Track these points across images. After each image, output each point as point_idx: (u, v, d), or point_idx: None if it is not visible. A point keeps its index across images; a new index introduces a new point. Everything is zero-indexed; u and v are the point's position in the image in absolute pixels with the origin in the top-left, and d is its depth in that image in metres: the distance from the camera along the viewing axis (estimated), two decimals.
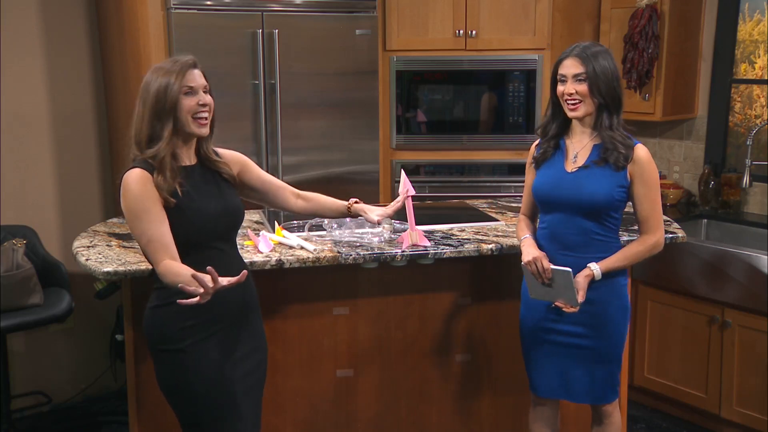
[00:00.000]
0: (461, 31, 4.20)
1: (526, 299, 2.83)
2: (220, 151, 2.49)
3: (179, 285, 2.07)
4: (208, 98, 2.33)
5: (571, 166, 2.67)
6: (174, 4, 3.58)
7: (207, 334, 2.34)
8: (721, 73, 4.26)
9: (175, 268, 2.20)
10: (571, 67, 2.60)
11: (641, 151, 2.61)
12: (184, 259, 2.26)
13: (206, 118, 2.33)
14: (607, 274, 2.65)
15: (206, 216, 2.33)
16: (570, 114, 2.63)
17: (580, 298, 2.59)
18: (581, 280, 2.61)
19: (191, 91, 2.29)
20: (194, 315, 2.30)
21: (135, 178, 2.26)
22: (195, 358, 2.32)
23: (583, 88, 2.58)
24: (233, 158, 2.52)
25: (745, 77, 4.21)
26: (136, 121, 2.31)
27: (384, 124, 4.24)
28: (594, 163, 2.62)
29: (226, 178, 2.45)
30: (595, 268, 2.62)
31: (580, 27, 4.32)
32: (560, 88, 2.63)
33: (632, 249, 2.65)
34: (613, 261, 2.64)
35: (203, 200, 2.34)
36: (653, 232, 2.65)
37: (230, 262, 2.41)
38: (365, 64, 4.03)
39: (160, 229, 2.24)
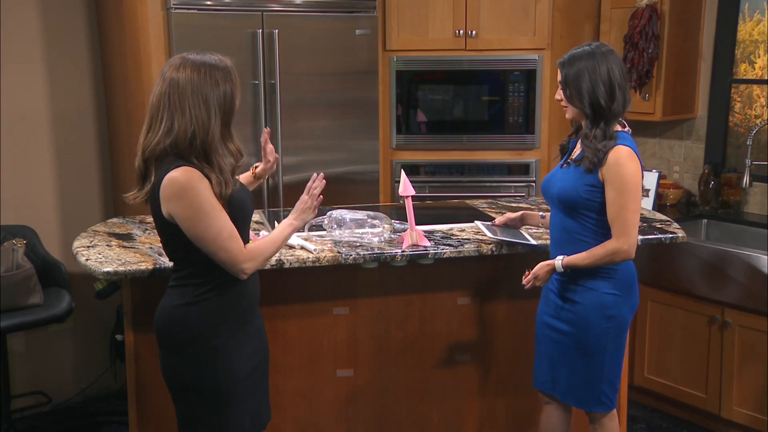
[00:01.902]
0: (461, 31, 4.20)
1: (542, 291, 2.86)
2: None
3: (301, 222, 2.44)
4: None
5: (564, 164, 2.74)
6: (174, 4, 3.58)
7: (234, 331, 2.36)
8: (721, 73, 4.26)
9: (266, 240, 2.36)
10: (557, 73, 2.67)
11: (617, 152, 2.56)
12: None
13: None
14: (587, 280, 2.66)
15: (246, 209, 2.38)
16: (566, 115, 2.72)
17: (528, 279, 2.72)
18: (540, 265, 2.70)
19: None
20: (226, 312, 2.33)
21: (188, 176, 2.19)
22: (224, 356, 2.33)
23: (561, 94, 2.65)
24: None
25: (745, 77, 4.21)
26: (203, 120, 2.20)
27: (384, 124, 4.24)
28: (575, 161, 2.66)
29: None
30: (559, 260, 2.65)
31: (580, 27, 4.32)
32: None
33: (595, 250, 2.61)
34: (576, 258, 2.63)
35: (240, 194, 2.35)
36: (616, 238, 2.57)
37: None
38: (365, 64, 4.03)
39: (232, 223, 2.25)
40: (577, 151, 2.70)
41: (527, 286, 2.73)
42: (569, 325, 2.72)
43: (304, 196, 2.48)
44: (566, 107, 2.67)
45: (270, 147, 2.76)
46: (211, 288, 2.31)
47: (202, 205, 2.19)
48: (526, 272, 2.74)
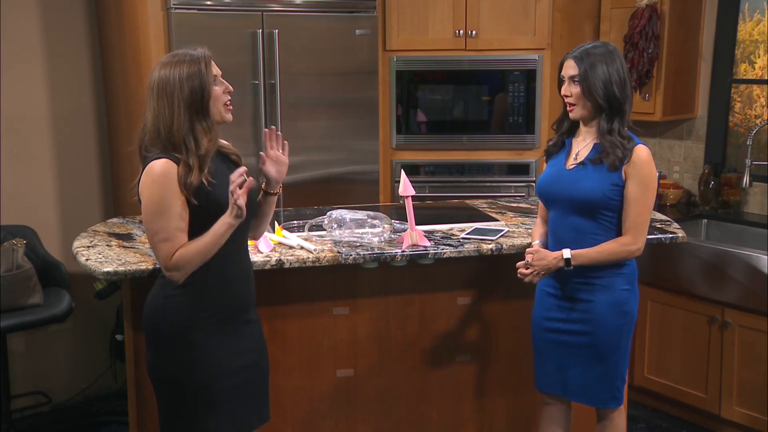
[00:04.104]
0: (461, 31, 4.20)
1: (536, 293, 2.85)
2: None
3: (227, 222, 2.23)
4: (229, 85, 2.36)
5: (570, 164, 2.71)
6: (174, 4, 3.58)
7: (215, 329, 2.36)
8: (721, 73, 4.25)
9: (196, 243, 2.26)
10: (568, 68, 2.64)
11: (641, 151, 2.60)
12: None
13: (230, 103, 2.37)
14: (599, 278, 2.66)
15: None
16: (570, 115, 2.67)
17: (531, 271, 2.68)
18: (546, 252, 2.67)
19: (215, 81, 2.32)
20: (208, 306, 2.34)
21: (162, 171, 2.24)
22: (203, 350, 2.34)
23: (576, 90, 2.62)
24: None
25: (745, 77, 4.21)
26: (166, 116, 2.25)
27: (384, 124, 4.24)
28: (590, 161, 2.64)
29: (235, 161, 2.48)
30: (567, 251, 2.64)
31: (580, 27, 4.31)
32: (561, 89, 2.67)
33: (608, 245, 2.63)
34: (587, 251, 2.63)
35: (227, 189, 2.32)
36: (632, 234, 2.61)
37: (242, 253, 2.46)
38: (365, 64, 4.03)
39: (179, 228, 2.26)
40: (581, 149, 2.69)
41: (528, 277, 2.70)
42: (582, 325, 2.70)
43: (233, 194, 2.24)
44: (574, 105, 2.63)
45: (273, 153, 2.51)
46: (191, 282, 2.32)
47: (156, 201, 2.25)
48: (526, 257, 2.71)
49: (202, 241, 2.27)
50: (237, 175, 2.22)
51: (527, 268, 2.70)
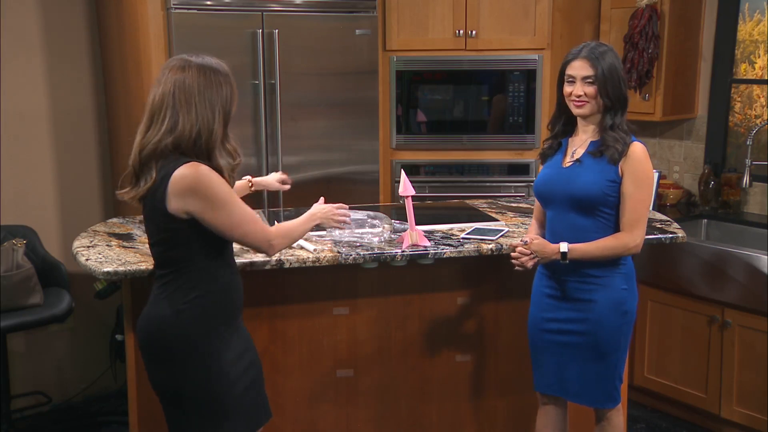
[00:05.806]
0: (461, 31, 4.20)
1: (533, 295, 2.84)
2: None
3: (324, 218, 2.64)
4: None
5: (567, 162, 2.72)
6: (174, 4, 3.58)
7: (224, 334, 2.35)
8: (721, 73, 4.26)
9: (293, 223, 2.52)
10: (580, 68, 2.62)
11: (636, 148, 2.62)
12: (217, 256, 2.32)
13: None
14: (599, 277, 2.67)
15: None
16: (575, 111, 2.67)
17: (526, 260, 2.68)
18: (543, 242, 2.67)
19: None
20: (216, 314, 2.33)
21: (206, 170, 2.23)
22: (216, 360, 2.32)
23: (592, 90, 2.61)
24: None
25: (745, 77, 4.21)
26: (207, 122, 2.24)
27: (384, 124, 4.24)
28: (590, 154, 2.65)
29: None
30: (564, 245, 2.64)
31: (580, 27, 4.32)
32: (567, 88, 2.66)
33: (605, 241, 2.63)
34: (584, 245, 2.64)
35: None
36: (629, 231, 2.62)
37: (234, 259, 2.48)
38: (365, 64, 4.03)
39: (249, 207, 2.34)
40: (578, 147, 2.69)
41: (522, 258, 2.69)
42: (581, 324, 2.71)
43: (336, 210, 2.70)
44: (585, 103, 2.62)
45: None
46: (203, 292, 2.30)
47: (219, 194, 2.23)
48: (524, 241, 2.70)
49: (294, 222, 2.53)
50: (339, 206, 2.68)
51: (523, 253, 2.69)
